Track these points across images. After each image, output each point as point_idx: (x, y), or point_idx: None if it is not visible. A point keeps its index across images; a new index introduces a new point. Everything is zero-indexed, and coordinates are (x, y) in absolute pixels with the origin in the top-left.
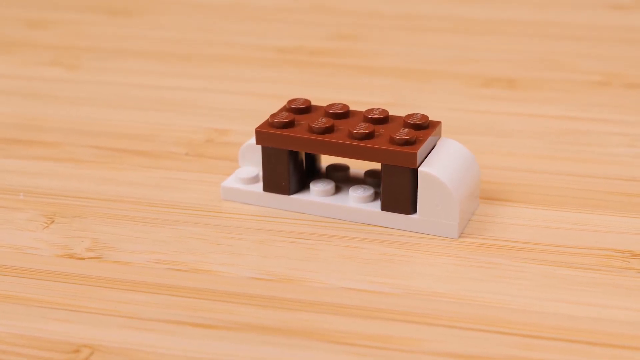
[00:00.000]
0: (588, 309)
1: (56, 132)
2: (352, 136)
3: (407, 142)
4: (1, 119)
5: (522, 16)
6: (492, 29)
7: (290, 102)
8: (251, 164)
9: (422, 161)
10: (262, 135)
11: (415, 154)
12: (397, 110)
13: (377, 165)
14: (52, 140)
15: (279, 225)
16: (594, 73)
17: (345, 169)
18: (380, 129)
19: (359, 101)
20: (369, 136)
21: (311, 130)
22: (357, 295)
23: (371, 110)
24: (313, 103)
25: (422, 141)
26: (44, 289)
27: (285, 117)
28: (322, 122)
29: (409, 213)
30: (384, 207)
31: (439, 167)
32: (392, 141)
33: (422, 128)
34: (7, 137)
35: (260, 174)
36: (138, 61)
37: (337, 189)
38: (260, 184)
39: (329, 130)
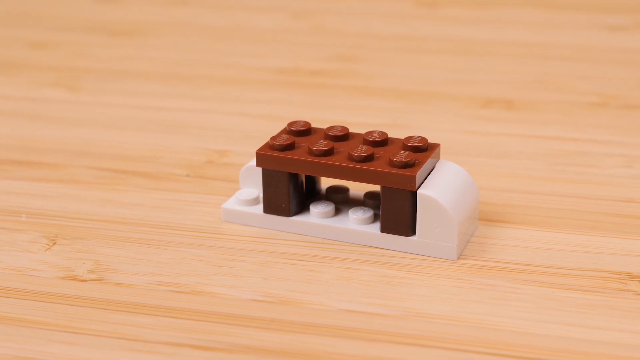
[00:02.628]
0: (585, 331)
1: (57, 153)
2: (351, 159)
3: (406, 165)
4: (2, 140)
5: (520, 37)
6: (490, 51)
7: (290, 124)
8: (251, 186)
9: (421, 183)
10: (263, 157)
11: (414, 177)
12: (397, 131)
13: (376, 187)
14: (53, 161)
15: (280, 247)
16: (591, 94)
17: (344, 190)
18: (380, 152)
19: (359, 122)
20: (369, 159)
21: (311, 153)
22: (356, 317)
23: (370, 132)
24: (313, 124)
25: (421, 163)
26: (47, 310)
27: (286, 139)
28: (322, 145)
29: (408, 235)
30: (383, 229)
31: (438, 190)
32: (392, 164)
33: (421, 150)
34: (9, 159)
35: (261, 195)
36: (139, 82)
37: (337, 211)
38: (261, 206)
39: (328, 152)
